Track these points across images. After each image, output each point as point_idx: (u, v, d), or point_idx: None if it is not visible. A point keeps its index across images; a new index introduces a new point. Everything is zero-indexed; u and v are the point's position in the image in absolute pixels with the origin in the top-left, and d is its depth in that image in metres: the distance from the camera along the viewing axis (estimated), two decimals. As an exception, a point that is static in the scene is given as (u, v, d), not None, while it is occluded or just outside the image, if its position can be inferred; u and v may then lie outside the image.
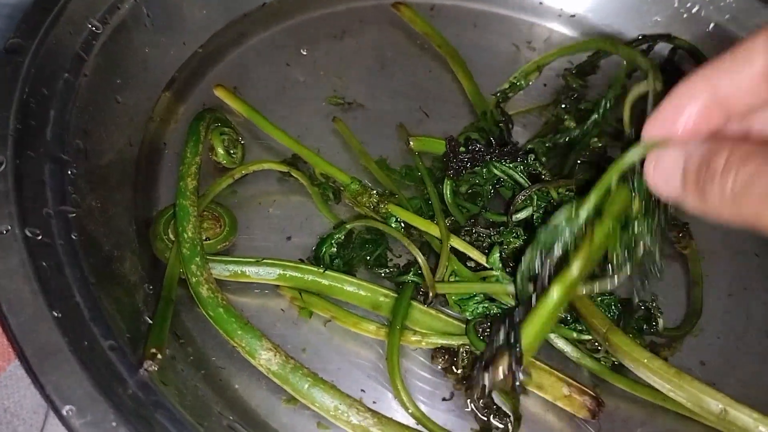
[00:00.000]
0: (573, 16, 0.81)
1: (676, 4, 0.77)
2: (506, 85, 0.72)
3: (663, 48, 0.73)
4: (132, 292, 0.52)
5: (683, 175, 0.37)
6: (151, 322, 0.49)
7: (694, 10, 0.76)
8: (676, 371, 0.50)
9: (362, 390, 0.52)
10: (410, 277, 0.55)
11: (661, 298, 0.59)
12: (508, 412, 0.51)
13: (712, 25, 0.75)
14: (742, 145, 0.34)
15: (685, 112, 0.38)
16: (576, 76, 0.74)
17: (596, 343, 0.54)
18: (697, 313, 0.59)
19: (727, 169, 0.34)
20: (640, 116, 0.72)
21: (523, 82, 0.72)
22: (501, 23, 0.81)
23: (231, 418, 0.48)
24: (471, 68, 0.73)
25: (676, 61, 0.74)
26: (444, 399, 0.52)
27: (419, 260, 0.55)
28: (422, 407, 0.51)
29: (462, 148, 0.60)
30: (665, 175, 0.39)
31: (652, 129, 0.40)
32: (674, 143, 0.38)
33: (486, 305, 0.53)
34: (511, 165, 0.58)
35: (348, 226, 0.57)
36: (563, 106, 0.70)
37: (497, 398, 0.52)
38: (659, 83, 0.54)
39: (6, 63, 0.51)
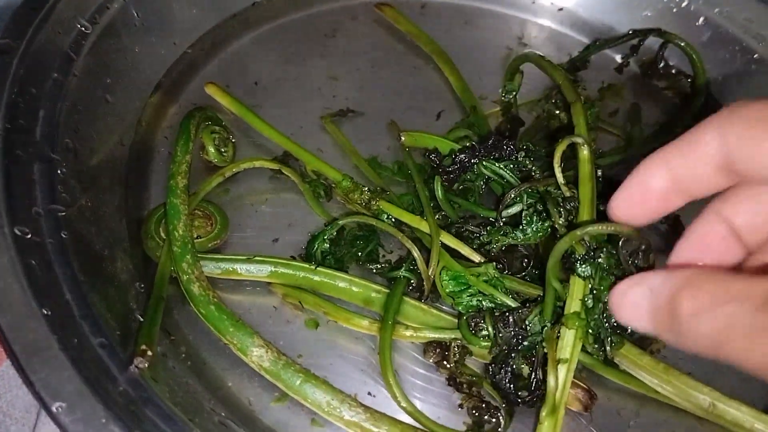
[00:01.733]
0: (561, 9, 0.81)
1: (665, -1, 0.77)
2: (503, 94, 0.72)
3: (654, 42, 0.74)
4: (123, 290, 0.52)
5: (652, 314, 0.36)
6: (142, 320, 0.49)
7: (683, 5, 0.76)
8: (665, 366, 0.50)
9: (354, 385, 0.52)
10: (402, 272, 0.55)
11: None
12: (499, 406, 0.51)
13: (701, 19, 0.75)
14: (709, 281, 0.33)
15: (648, 193, 0.39)
16: (567, 72, 0.74)
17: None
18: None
19: (696, 314, 0.32)
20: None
21: (514, 85, 0.72)
22: (492, 19, 0.81)
23: (223, 414, 0.48)
24: (463, 65, 0.73)
25: (666, 56, 0.75)
26: (460, 406, 0.52)
27: (414, 254, 0.55)
28: (415, 402, 0.51)
29: (447, 160, 0.60)
30: (632, 311, 0.38)
31: (616, 209, 0.40)
32: (637, 279, 0.38)
33: (479, 299, 0.53)
34: (500, 165, 0.58)
35: (340, 223, 0.57)
36: (553, 101, 0.70)
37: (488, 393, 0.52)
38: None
39: (-6, 63, 0.51)
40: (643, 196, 0.39)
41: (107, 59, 0.60)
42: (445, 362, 0.53)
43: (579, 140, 0.53)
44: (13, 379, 0.50)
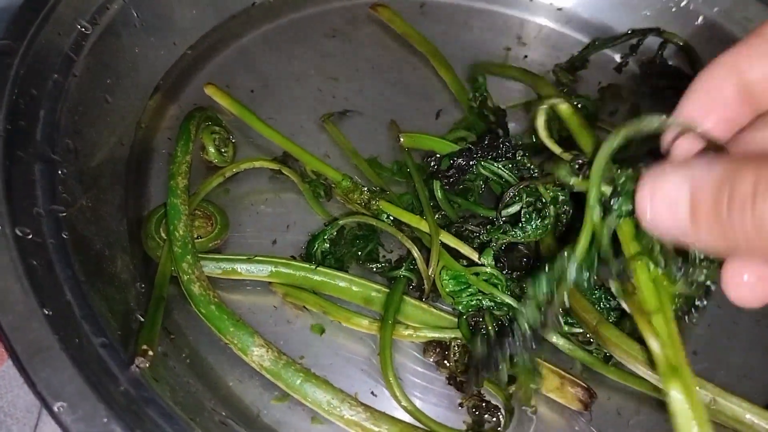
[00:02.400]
0: (560, 9, 0.81)
1: (664, -2, 0.77)
2: (472, 97, 0.71)
3: (653, 42, 0.74)
4: (124, 290, 0.52)
5: (692, 206, 0.31)
6: (142, 319, 0.49)
7: (682, 4, 0.76)
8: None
9: (355, 384, 0.52)
10: (402, 271, 0.56)
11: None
12: (499, 405, 0.51)
13: (701, 18, 0.75)
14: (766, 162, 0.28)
15: (714, 102, 0.34)
16: (566, 71, 0.74)
17: (588, 335, 0.54)
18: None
19: (759, 195, 0.28)
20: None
21: (479, 85, 0.72)
22: (491, 19, 0.81)
23: (223, 413, 0.48)
24: (462, 65, 0.74)
25: (665, 56, 0.75)
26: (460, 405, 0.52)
27: (414, 253, 0.55)
28: (415, 401, 0.51)
29: (445, 162, 0.60)
30: (667, 206, 0.32)
31: (686, 111, 0.35)
32: (673, 167, 0.32)
33: (479, 298, 0.53)
34: (499, 165, 0.58)
35: (340, 222, 0.57)
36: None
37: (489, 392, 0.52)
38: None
39: (-5, 64, 0.51)
40: (709, 107, 0.34)
41: (107, 60, 0.60)
42: (445, 361, 0.53)
43: (553, 102, 0.50)
44: (14, 379, 0.50)
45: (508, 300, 0.52)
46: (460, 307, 0.54)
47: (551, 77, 0.75)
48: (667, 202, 0.32)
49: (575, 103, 0.69)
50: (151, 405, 0.42)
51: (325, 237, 0.57)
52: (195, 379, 0.50)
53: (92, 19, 0.59)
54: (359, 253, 0.58)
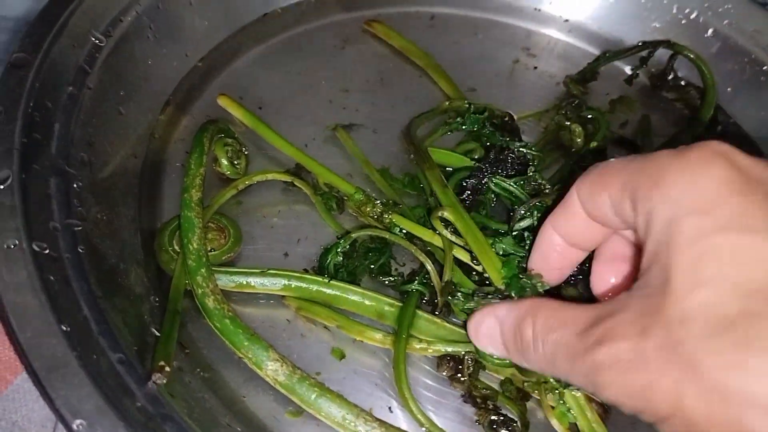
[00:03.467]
0: (568, 21, 0.82)
1: (674, 11, 0.77)
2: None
3: (663, 54, 0.74)
4: (138, 304, 0.52)
5: (503, 341, 0.43)
6: (158, 333, 0.49)
7: (692, 17, 0.76)
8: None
9: (369, 399, 0.52)
10: (415, 285, 0.55)
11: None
12: (515, 418, 0.51)
13: (710, 30, 0.75)
14: (543, 310, 0.39)
15: (550, 250, 0.46)
16: (577, 83, 0.75)
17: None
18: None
19: (535, 339, 0.39)
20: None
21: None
22: (500, 30, 0.82)
23: (239, 429, 0.48)
24: (470, 77, 0.74)
25: (675, 68, 0.75)
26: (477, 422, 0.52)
27: (428, 267, 0.55)
28: (430, 415, 0.51)
29: (454, 179, 0.61)
30: (488, 340, 0.45)
31: (533, 265, 0.48)
32: (489, 309, 0.45)
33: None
34: (511, 182, 0.58)
35: (353, 236, 0.57)
36: (563, 112, 0.70)
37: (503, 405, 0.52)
38: None
39: (11, 77, 0.51)
40: (548, 254, 0.46)
41: (121, 72, 0.60)
42: (458, 375, 0.53)
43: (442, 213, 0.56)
44: (29, 393, 0.50)
45: None
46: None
47: (561, 89, 0.75)
48: (487, 336, 0.45)
49: (587, 115, 0.69)
50: (168, 422, 0.42)
51: (338, 250, 0.57)
52: (210, 394, 0.50)
53: (106, 31, 0.59)
54: (372, 266, 0.58)
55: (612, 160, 0.38)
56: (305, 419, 0.50)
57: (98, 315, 0.45)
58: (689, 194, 0.32)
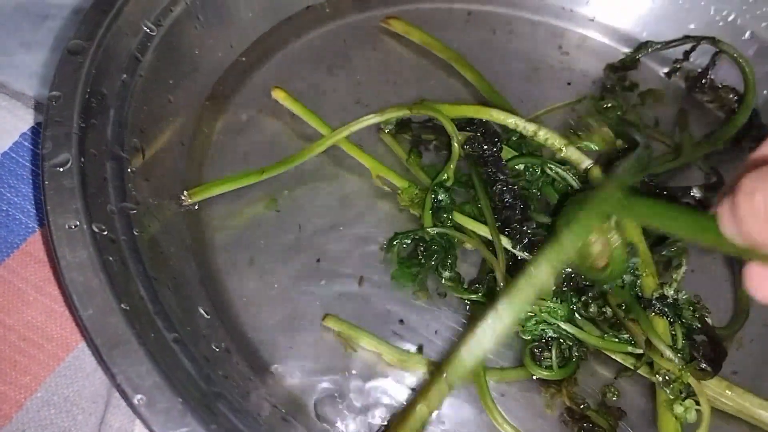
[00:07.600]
0: (600, 21, 0.82)
1: (712, 12, 0.77)
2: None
3: (698, 59, 0.74)
4: (186, 287, 0.53)
5: None
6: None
7: (730, 18, 0.76)
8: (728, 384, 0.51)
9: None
10: (479, 296, 0.55)
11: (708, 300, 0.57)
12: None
13: (748, 33, 0.76)
14: None
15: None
16: (616, 69, 0.76)
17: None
18: (746, 312, 0.59)
19: None
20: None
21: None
22: (534, 28, 0.82)
23: (283, 411, 0.50)
24: (503, 73, 0.74)
25: (711, 74, 0.75)
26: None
27: (497, 272, 0.54)
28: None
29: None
30: (759, 216, 0.29)
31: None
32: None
33: (544, 327, 0.53)
34: (561, 167, 0.59)
35: (431, 231, 0.57)
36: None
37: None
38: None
39: (68, 63, 0.52)
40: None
41: (170, 60, 0.61)
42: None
43: None
44: (80, 369, 0.52)
45: (575, 332, 0.52)
46: (525, 336, 0.54)
47: (593, 87, 0.76)
48: (758, 211, 0.29)
49: (611, 104, 0.71)
50: (221, 399, 0.44)
51: (411, 235, 0.58)
52: (255, 376, 0.51)
53: (156, 20, 0.60)
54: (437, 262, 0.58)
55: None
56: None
57: (153, 295, 0.46)
58: None
